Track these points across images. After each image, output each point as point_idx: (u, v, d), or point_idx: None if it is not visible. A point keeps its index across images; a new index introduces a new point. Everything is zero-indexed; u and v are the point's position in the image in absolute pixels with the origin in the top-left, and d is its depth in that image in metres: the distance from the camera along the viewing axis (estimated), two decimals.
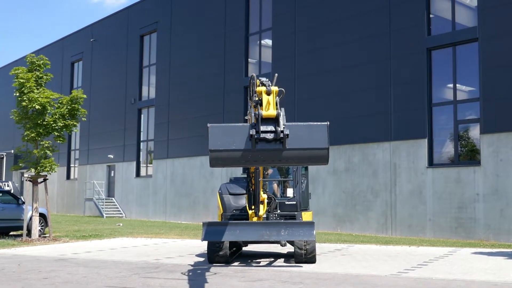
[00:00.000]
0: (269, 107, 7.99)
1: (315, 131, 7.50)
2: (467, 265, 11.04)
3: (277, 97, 8.45)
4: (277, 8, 24.13)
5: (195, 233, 19.31)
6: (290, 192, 12.30)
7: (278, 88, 8.69)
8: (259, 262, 11.68)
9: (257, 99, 8.31)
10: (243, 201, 11.87)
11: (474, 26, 17.90)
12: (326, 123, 7.54)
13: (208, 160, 7.52)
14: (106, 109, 34.30)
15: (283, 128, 7.43)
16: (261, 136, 7.36)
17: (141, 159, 32.13)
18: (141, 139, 32.12)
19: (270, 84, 8.45)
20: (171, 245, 15.71)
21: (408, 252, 13.48)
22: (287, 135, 7.35)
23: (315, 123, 7.67)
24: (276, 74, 9.56)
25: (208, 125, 7.48)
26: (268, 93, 8.22)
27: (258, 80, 9.10)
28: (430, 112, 18.68)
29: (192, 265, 11.20)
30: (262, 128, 7.43)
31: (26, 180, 17.63)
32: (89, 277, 9.59)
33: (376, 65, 20.09)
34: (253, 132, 7.36)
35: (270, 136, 7.39)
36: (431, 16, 19.16)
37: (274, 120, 7.56)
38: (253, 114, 7.91)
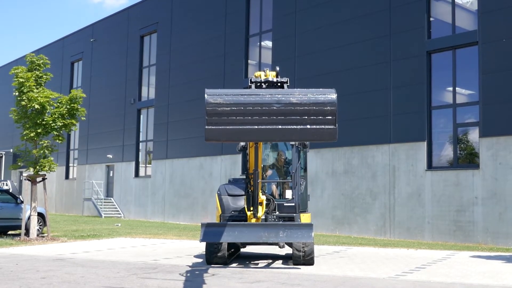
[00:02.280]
0: (268, 76, 8.45)
1: (322, 90, 7.07)
2: (465, 269, 11.04)
3: None
4: (277, 9, 24.15)
5: (193, 234, 19.30)
6: (289, 193, 12.28)
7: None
8: (257, 264, 11.68)
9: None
10: (241, 202, 11.85)
11: (474, 29, 17.92)
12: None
13: (204, 135, 6.89)
14: (106, 109, 34.30)
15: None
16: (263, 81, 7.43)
17: (140, 160, 32.12)
18: (140, 140, 32.12)
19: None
20: (169, 245, 15.70)
21: (406, 255, 13.47)
22: (288, 80, 7.37)
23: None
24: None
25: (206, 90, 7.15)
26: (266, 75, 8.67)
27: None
28: (430, 115, 18.69)
29: (190, 266, 11.19)
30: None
31: (24, 179, 17.61)
32: (87, 277, 9.58)
33: (376, 68, 20.11)
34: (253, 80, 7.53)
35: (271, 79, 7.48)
36: (431, 19, 19.18)
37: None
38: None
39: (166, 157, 29.27)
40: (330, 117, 6.70)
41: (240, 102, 6.68)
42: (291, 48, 23.12)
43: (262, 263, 11.85)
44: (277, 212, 11.66)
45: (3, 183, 32.01)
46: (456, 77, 18.43)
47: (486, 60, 17.37)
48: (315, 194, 20.99)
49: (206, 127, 6.73)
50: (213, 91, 6.84)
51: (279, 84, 7.30)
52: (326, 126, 6.74)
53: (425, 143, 18.52)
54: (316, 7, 22.39)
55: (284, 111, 6.67)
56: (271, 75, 8.47)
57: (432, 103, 18.79)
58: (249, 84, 7.59)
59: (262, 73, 8.59)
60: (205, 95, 6.70)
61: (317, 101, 6.67)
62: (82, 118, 18.16)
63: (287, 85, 7.29)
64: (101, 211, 31.65)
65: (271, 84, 7.70)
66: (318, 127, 6.74)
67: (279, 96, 6.72)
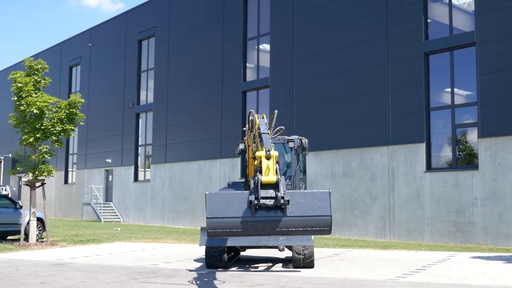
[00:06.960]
0: (269, 173, 7.86)
1: (317, 199, 7.44)
2: (465, 270, 11.03)
3: (276, 135, 8.51)
4: (275, 13, 24.17)
5: (193, 238, 19.27)
6: None
7: (278, 127, 8.68)
8: (257, 267, 11.66)
9: (256, 161, 8.38)
10: None
11: (472, 30, 17.95)
12: (328, 190, 7.57)
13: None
14: (104, 114, 34.28)
15: (284, 194, 7.38)
16: (261, 203, 7.29)
17: (139, 164, 32.09)
18: (139, 144, 32.09)
19: (270, 148, 8.24)
20: (169, 250, 15.68)
21: (406, 257, 13.46)
22: (288, 201, 7.27)
23: (317, 190, 7.71)
24: (276, 111, 9.47)
25: (206, 193, 7.44)
26: (268, 157, 8.07)
27: (256, 117, 9.01)
28: (428, 116, 18.70)
29: (190, 270, 11.17)
30: (262, 193, 7.33)
31: (23, 184, 17.58)
32: (86, 282, 9.56)
33: (374, 70, 20.12)
34: (252, 198, 7.29)
35: (270, 202, 7.32)
36: (428, 20, 19.21)
37: (274, 186, 7.49)
38: (252, 181, 7.86)
39: (165, 161, 29.24)
40: (326, 228, 7.60)
41: (240, 229, 7.31)
42: (289, 51, 23.14)
43: (262, 266, 11.84)
44: None
45: (2, 188, 32.00)
46: (454, 78, 18.44)
47: (483, 61, 17.39)
48: None
49: (208, 236, 7.65)
50: (215, 210, 7.27)
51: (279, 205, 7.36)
52: (322, 226, 7.64)
53: (423, 145, 18.53)
54: (313, 10, 22.42)
55: (283, 223, 7.49)
56: (274, 156, 8.06)
57: (430, 104, 18.80)
58: (249, 200, 7.53)
59: (263, 154, 7.96)
60: (206, 216, 7.30)
61: (314, 225, 7.49)
62: (81, 123, 18.16)
63: (288, 206, 7.35)
64: (101, 216, 31.60)
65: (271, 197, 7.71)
66: (313, 229, 7.70)
67: (277, 230, 7.46)
